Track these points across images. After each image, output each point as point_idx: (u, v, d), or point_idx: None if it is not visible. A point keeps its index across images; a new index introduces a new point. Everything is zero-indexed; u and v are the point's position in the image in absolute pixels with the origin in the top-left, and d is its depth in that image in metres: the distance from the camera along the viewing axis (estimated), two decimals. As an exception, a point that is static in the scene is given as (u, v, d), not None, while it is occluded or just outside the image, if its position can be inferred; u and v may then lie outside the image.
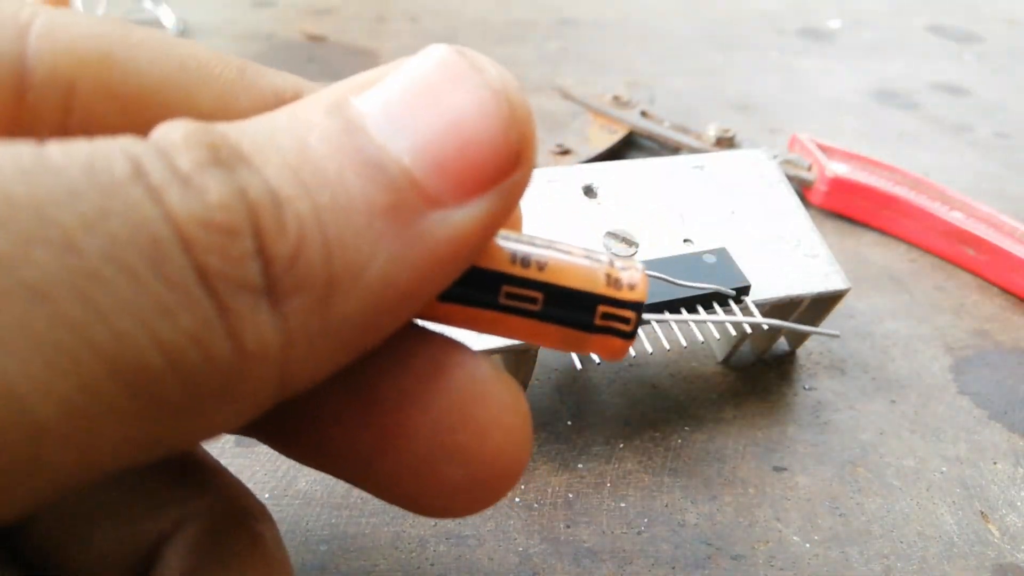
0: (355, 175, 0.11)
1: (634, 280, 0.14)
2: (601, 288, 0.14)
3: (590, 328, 0.14)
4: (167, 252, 0.09)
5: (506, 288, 0.14)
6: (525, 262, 0.14)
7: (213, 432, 0.11)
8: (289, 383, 0.11)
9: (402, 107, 0.12)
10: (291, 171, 0.11)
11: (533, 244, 0.14)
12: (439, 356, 0.14)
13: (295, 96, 0.15)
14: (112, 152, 0.10)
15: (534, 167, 0.13)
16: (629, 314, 0.14)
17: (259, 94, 0.14)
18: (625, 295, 0.14)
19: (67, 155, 0.10)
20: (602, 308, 0.14)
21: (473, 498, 0.14)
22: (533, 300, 0.14)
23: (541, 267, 0.14)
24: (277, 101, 0.14)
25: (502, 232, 0.14)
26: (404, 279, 0.12)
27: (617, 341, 0.15)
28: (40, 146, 0.10)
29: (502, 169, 0.12)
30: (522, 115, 0.12)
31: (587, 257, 0.14)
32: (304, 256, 0.10)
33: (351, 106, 0.12)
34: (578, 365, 0.24)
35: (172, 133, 0.11)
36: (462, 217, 0.12)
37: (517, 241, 0.14)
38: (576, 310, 0.14)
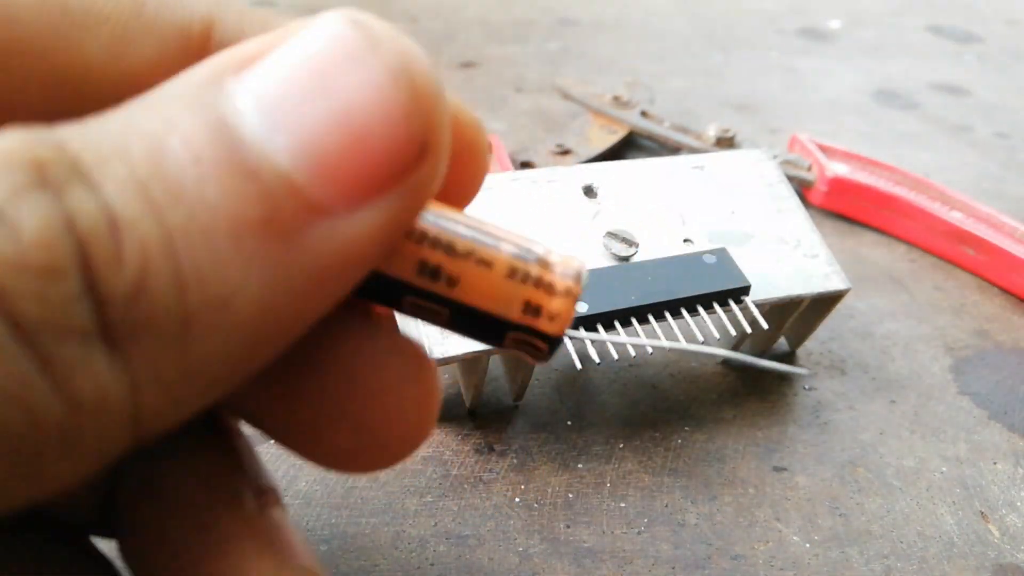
0: (220, 185, 0.09)
1: (555, 311, 0.13)
2: (515, 316, 0.12)
3: (500, 344, 0.13)
4: None
5: (409, 299, 0.12)
6: (435, 274, 0.12)
7: (57, 489, 0.09)
8: (147, 429, 0.10)
9: (283, 96, 0.10)
10: (138, 186, 0.09)
11: (455, 239, 0.12)
12: (336, 319, 0.12)
13: (203, 34, 0.13)
14: None
15: (446, 155, 0.11)
16: (542, 345, 0.13)
17: (160, 36, 0.12)
18: (542, 326, 0.13)
19: None
20: (512, 334, 0.13)
21: (365, 462, 0.13)
22: (438, 313, 0.13)
23: (451, 283, 0.12)
24: (183, 41, 0.13)
25: (430, 213, 0.12)
26: (283, 305, 0.10)
27: (529, 357, 0.13)
28: None
29: (404, 165, 0.10)
30: (427, 98, 0.10)
31: (513, 268, 0.12)
32: (149, 291, 0.09)
33: (224, 95, 0.10)
34: (578, 365, 0.24)
35: None
36: (356, 225, 0.10)
37: (439, 229, 0.12)
38: (483, 330, 0.13)
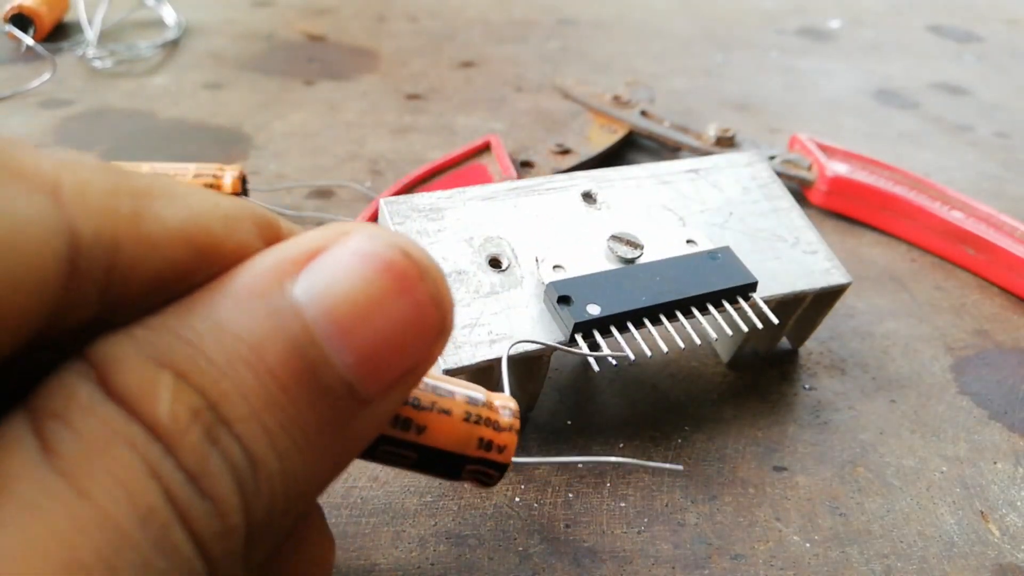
0: (307, 407, 0.12)
1: (504, 443, 0.16)
2: (472, 451, 0.15)
3: (457, 478, 0.16)
4: (193, 567, 0.11)
5: (384, 447, 0.15)
6: (405, 425, 0.15)
7: None
8: None
9: (349, 319, 0.12)
10: (260, 425, 0.11)
11: (418, 394, 0.15)
12: None
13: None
14: (145, 484, 0.10)
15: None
16: (493, 472, 0.16)
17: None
18: (494, 457, 0.16)
19: (112, 498, 0.10)
20: (469, 466, 0.16)
21: None
22: (407, 458, 0.15)
23: (420, 431, 0.15)
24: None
25: None
26: (335, 476, 0.13)
27: (480, 485, 0.16)
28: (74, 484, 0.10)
29: (428, 359, 0.13)
30: (450, 312, 0.13)
31: (468, 412, 0.15)
32: (274, 512, 0.12)
33: (299, 311, 0.12)
34: (595, 367, 0.24)
35: (163, 404, 0.11)
36: (384, 405, 0.13)
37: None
38: (445, 467, 0.16)
